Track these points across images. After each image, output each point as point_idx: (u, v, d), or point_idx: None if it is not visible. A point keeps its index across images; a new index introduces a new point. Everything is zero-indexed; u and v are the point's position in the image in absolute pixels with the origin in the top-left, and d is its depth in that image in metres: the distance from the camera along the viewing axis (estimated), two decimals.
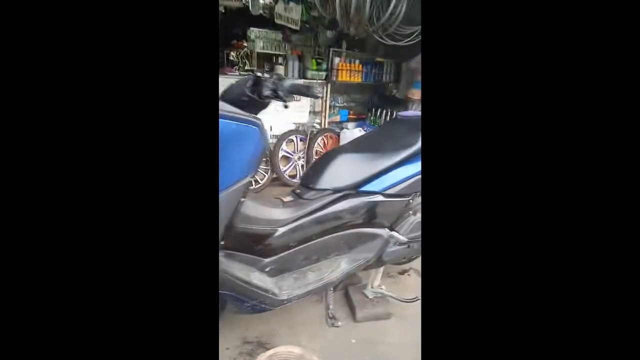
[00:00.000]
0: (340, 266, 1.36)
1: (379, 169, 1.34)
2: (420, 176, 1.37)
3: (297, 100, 1.20)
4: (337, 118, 4.01)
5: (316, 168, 1.36)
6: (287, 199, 1.34)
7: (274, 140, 3.25)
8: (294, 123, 3.44)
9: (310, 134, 3.40)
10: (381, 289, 1.63)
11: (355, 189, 1.33)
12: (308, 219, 1.28)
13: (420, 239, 1.49)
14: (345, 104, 4.11)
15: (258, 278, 1.20)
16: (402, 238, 1.41)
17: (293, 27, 3.41)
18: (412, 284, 1.91)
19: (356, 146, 1.48)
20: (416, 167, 1.36)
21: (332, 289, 1.43)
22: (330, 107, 3.83)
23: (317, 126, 3.59)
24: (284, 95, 1.04)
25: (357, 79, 3.74)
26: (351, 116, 4.13)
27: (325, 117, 3.72)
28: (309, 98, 3.40)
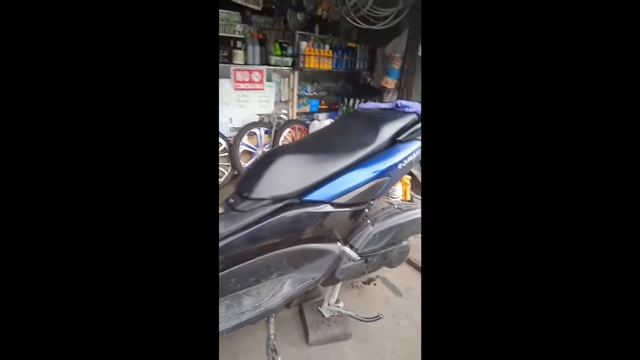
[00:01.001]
0: (283, 289, 1.14)
1: (328, 174, 1.11)
2: (376, 181, 1.16)
3: None
4: (307, 108, 3.75)
5: (253, 173, 1.12)
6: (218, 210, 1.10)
7: (234, 133, 2.97)
8: (258, 114, 3.16)
9: (275, 126, 3.13)
10: (339, 306, 1.43)
11: (299, 198, 1.10)
12: (241, 235, 1.05)
13: (379, 251, 1.29)
14: (315, 93, 3.85)
15: None
16: (354, 255, 1.20)
17: (254, 7, 3.11)
18: (377, 295, 1.72)
19: (302, 146, 1.24)
20: (371, 170, 1.15)
21: (273, 315, 1.21)
22: (299, 96, 3.56)
23: (285, 117, 3.33)
24: None
25: (327, 65, 3.48)
26: (322, 106, 3.89)
27: (293, 107, 3.46)
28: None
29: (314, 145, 1.21)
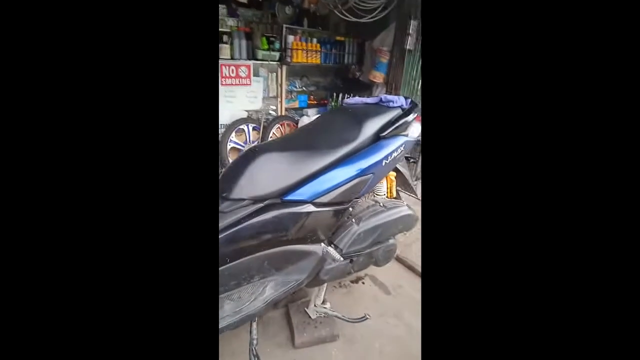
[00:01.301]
0: (265, 292, 1.10)
1: (309, 172, 1.07)
2: (360, 179, 1.12)
3: None
4: (296, 104, 3.70)
5: (232, 172, 1.07)
6: None
7: (222, 130, 2.91)
8: (246, 110, 3.10)
9: (264, 122, 3.07)
10: (325, 307, 1.40)
11: (280, 198, 1.06)
12: (220, 237, 1.00)
13: (364, 251, 1.25)
14: (304, 88, 3.79)
15: None
16: (337, 256, 1.17)
17: None
18: (366, 293, 1.70)
19: (283, 143, 1.19)
20: (355, 167, 1.11)
21: (255, 319, 1.17)
22: (287, 91, 3.50)
23: (273, 113, 3.27)
24: None
25: (315, 60, 3.41)
26: (311, 102, 3.83)
27: (282, 102, 3.40)
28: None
29: (296, 143, 1.17)
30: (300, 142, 1.16)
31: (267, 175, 1.04)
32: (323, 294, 1.40)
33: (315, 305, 1.41)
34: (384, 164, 1.17)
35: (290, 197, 1.06)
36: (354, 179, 1.11)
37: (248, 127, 3.02)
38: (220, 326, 1.03)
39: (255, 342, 1.15)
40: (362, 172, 1.12)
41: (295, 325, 1.39)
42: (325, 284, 1.37)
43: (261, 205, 1.04)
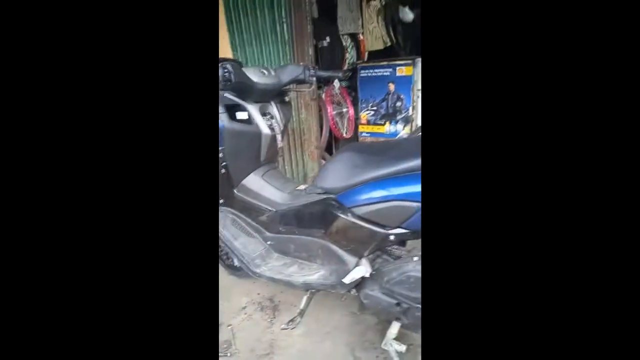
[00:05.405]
0: (312, 277, 1.20)
1: (362, 179, 1.00)
2: (400, 203, 0.87)
3: None
4: None
5: (329, 162, 1.22)
6: (301, 187, 1.35)
7: None
8: None
9: None
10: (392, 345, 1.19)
11: (335, 196, 1.09)
12: (291, 210, 1.25)
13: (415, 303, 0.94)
14: None
15: (243, 243, 1.37)
16: (375, 285, 0.99)
17: None
18: None
19: (368, 146, 1.11)
20: (398, 188, 0.88)
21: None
22: None
23: None
24: None
25: None
26: None
27: None
28: None
29: (379, 147, 1.08)
30: (381, 149, 1.06)
31: (335, 172, 1.11)
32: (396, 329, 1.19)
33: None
34: None
35: (339, 198, 1.06)
36: (394, 200, 0.89)
37: None
38: (279, 277, 1.26)
39: (302, 306, 1.30)
40: (405, 197, 0.86)
41: None
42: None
43: (322, 197, 1.14)
